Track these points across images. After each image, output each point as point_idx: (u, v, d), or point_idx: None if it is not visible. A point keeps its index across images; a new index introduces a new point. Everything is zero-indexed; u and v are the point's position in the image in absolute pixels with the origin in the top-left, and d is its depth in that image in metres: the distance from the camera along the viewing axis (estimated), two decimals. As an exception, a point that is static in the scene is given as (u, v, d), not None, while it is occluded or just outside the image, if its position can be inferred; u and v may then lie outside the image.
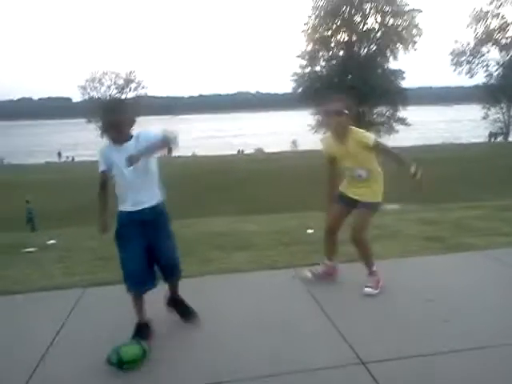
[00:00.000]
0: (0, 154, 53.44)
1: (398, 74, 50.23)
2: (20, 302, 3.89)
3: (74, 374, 2.78)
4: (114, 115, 2.98)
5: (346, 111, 3.60)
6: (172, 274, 3.25)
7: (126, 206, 3.05)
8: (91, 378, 2.74)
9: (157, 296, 3.25)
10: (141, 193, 3.02)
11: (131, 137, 3.02)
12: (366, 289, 3.76)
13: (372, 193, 3.75)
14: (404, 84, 50.54)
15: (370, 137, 3.64)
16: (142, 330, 3.09)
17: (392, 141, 48.10)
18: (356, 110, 3.63)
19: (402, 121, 49.71)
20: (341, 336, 3.08)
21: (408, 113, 49.71)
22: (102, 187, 3.11)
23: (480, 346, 2.89)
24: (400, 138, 49.51)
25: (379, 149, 3.67)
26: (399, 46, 49.59)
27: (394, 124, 50.04)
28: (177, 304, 3.40)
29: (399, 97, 48.69)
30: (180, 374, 2.74)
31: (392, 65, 50.83)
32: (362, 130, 3.69)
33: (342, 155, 3.75)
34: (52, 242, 5.87)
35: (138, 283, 3.07)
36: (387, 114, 50.89)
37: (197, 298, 3.84)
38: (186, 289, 4.02)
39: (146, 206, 3.03)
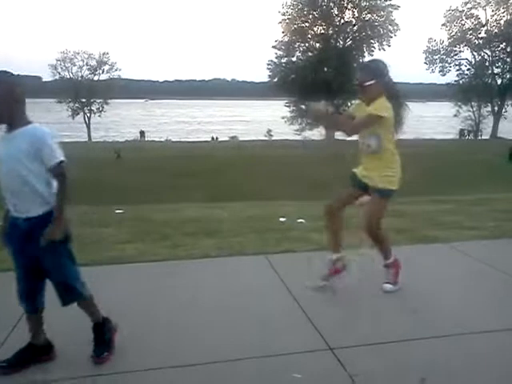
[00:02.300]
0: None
1: (374, 68, 50.79)
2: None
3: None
4: None
5: (371, 81, 3.39)
6: (64, 296, 2.63)
7: (11, 210, 2.56)
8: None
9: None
10: (20, 199, 2.49)
11: (27, 124, 2.48)
12: (385, 285, 3.65)
13: (380, 177, 3.47)
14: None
15: (379, 108, 3.37)
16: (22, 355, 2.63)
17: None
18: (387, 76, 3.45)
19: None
20: (310, 322, 3.13)
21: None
22: None
23: (444, 335, 2.99)
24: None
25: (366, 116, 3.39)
26: (375, 40, 50.12)
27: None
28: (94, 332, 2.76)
29: (373, 91, 49.23)
30: (147, 358, 2.74)
31: (369, 59, 51.21)
32: (384, 101, 3.42)
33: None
34: None
35: (22, 301, 2.64)
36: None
37: (165, 283, 3.85)
38: (155, 273, 4.04)
39: (26, 215, 2.50)
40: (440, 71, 50.59)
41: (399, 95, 3.65)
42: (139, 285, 3.80)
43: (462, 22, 49.22)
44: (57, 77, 55.78)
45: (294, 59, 51.68)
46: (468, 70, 50.61)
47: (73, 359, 2.71)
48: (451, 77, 50.94)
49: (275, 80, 51.41)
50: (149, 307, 3.37)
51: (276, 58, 50.89)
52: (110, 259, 4.37)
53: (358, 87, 3.51)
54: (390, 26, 49.61)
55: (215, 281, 3.90)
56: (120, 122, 74.02)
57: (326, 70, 49.05)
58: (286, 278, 3.89)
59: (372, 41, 50.12)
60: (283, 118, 50.46)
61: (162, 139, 47.54)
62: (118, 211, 6.76)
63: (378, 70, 3.49)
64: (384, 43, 49.97)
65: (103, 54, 56.75)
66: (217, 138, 49.62)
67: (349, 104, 51.44)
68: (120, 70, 57.59)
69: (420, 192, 9.25)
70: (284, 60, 51.61)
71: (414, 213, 6.53)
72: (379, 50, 50.05)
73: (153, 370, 2.60)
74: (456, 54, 50.42)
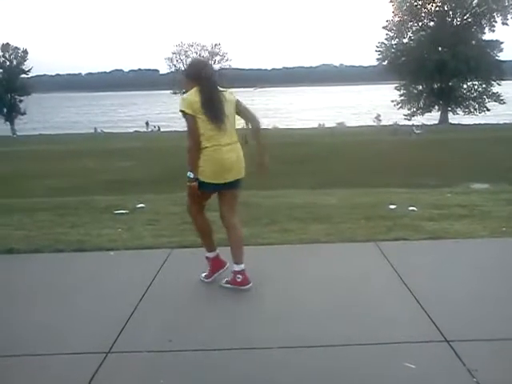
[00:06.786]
0: (94, 123, 56.95)
1: (495, 45, 46.73)
2: (113, 257, 4.22)
3: (162, 325, 2.99)
4: None
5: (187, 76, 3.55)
6: None
7: None
8: (176, 329, 2.92)
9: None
10: None
11: None
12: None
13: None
14: (501, 56, 46.93)
15: (180, 103, 3.36)
16: None
17: (483, 118, 45.24)
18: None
19: (497, 97, 46.37)
20: (424, 312, 3.03)
21: (503, 88, 46.22)
22: None
23: None
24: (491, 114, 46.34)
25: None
26: (497, 14, 45.92)
27: (487, 100, 46.84)
28: None
29: (494, 70, 45.40)
30: (252, 335, 2.84)
31: (489, 35, 47.10)
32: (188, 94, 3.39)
33: None
34: (141, 205, 6.20)
35: None
36: (479, 89, 47.68)
37: (275, 265, 3.94)
38: (266, 255, 4.14)
39: None
40: None
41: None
42: (248, 267, 3.93)
43: None
44: (172, 69, 58.93)
45: (405, 40, 49.27)
46: None
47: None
48: None
49: (384, 63, 49.50)
50: (257, 288, 3.47)
51: (386, 39, 48.93)
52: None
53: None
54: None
55: (325, 266, 3.91)
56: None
57: (441, 50, 46.12)
58: (398, 266, 3.79)
59: (494, 15, 46.04)
60: (393, 101, 48.53)
61: (269, 127, 48.18)
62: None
63: (189, 68, 3.71)
64: (508, 16, 45.64)
65: (215, 45, 58.83)
66: (324, 125, 49.11)
67: (464, 86, 48.04)
68: (231, 60, 59.32)
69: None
70: (394, 42, 49.43)
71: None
72: (502, 24, 45.86)
73: (263, 349, 2.69)
74: None
